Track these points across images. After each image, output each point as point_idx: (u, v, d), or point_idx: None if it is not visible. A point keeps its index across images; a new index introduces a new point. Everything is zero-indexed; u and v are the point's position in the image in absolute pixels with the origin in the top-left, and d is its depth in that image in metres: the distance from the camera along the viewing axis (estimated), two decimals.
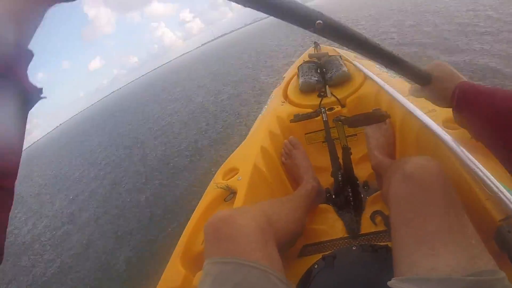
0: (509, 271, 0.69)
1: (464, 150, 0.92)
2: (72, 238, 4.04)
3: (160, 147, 6.00)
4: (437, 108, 1.19)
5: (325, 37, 0.61)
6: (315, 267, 1.01)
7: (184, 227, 1.08)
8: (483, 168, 0.84)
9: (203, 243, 0.96)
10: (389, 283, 0.62)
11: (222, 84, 9.53)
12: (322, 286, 0.96)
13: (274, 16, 0.56)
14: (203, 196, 1.19)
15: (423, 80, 0.81)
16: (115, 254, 3.16)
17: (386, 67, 0.77)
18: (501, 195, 0.76)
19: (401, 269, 0.63)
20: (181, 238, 1.05)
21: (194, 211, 1.13)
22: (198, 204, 1.16)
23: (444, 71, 0.78)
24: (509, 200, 0.74)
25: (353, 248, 1.05)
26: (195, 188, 3.51)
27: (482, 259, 0.56)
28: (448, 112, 1.15)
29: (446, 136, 0.99)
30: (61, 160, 11.57)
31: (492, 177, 0.81)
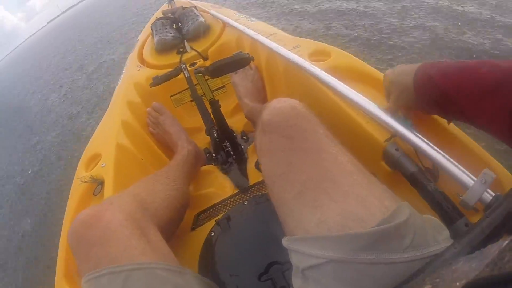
0: (403, 185, 0.70)
1: (335, 79, 0.89)
2: None
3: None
4: (300, 42, 1.17)
5: None
6: (212, 234, 0.94)
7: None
8: (357, 94, 0.83)
9: None
10: (283, 243, 0.54)
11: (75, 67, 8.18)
12: (225, 251, 0.90)
13: None
14: (69, 196, 0.99)
15: None
16: None
17: None
18: (381, 116, 0.75)
19: (289, 227, 0.55)
20: (59, 254, 0.86)
21: (64, 217, 0.94)
22: (66, 207, 0.96)
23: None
24: (389, 119, 0.74)
25: (245, 203, 1.00)
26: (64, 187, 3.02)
27: (374, 194, 0.49)
28: (313, 46, 1.14)
29: (314, 68, 0.96)
30: None
31: (367, 101, 0.80)
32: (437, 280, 0.33)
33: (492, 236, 0.40)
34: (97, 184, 0.97)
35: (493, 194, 0.57)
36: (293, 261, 0.52)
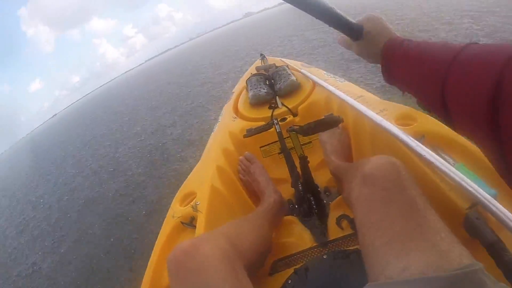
0: (483, 256, 0.69)
1: (420, 144, 0.92)
2: None
3: (112, 181, 5.48)
4: (387, 106, 1.22)
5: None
6: (289, 282, 0.98)
7: (147, 262, 1.00)
8: (441, 160, 0.85)
9: None
10: None
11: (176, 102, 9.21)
12: None
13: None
14: (162, 226, 1.11)
15: (355, 34, 0.76)
16: None
17: (317, 18, 0.72)
18: (464, 184, 0.76)
19: (374, 273, 0.60)
20: (145, 276, 0.96)
21: (155, 244, 1.05)
22: (158, 236, 1.08)
23: (375, 25, 0.73)
24: (472, 188, 0.75)
25: (324, 256, 1.03)
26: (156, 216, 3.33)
27: (455, 251, 0.54)
28: (399, 110, 1.19)
29: (400, 132, 1.00)
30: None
31: (451, 168, 0.82)
32: None
33: None
34: (190, 220, 1.08)
35: None
36: None
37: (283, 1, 0.68)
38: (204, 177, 1.25)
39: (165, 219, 1.13)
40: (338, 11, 0.72)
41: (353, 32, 0.75)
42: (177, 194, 1.23)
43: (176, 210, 1.13)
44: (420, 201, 0.63)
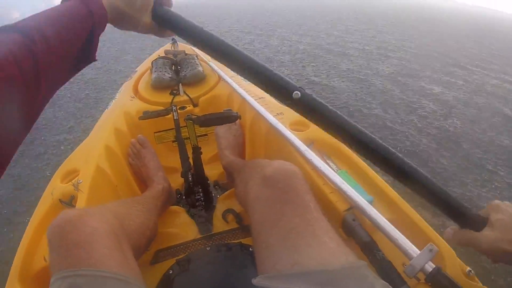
0: (357, 255, 0.80)
1: (308, 149, 1.01)
2: None
3: None
4: (284, 111, 1.29)
5: (299, 112, 0.60)
6: (170, 272, 0.96)
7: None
8: (325, 166, 0.95)
9: (46, 259, 0.83)
10: (254, 281, 0.62)
11: None
12: None
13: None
14: (39, 203, 1.01)
15: (476, 224, 0.61)
16: None
17: (401, 182, 0.61)
18: (344, 188, 0.87)
19: (265, 268, 0.64)
20: (17, 254, 0.86)
21: (29, 222, 0.95)
22: (34, 213, 0.98)
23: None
24: (350, 192, 0.85)
25: (207, 248, 1.04)
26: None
27: (341, 250, 0.61)
28: (295, 116, 1.26)
29: (292, 136, 1.07)
30: None
31: (334, 173, 0.92)
32: None
33: None
34: (70, 198, 0.99)
35: (434, 266, 0.66)
36: None
37: None
38: (90, 156, 1.16)
39: (43, 196, 1.03)
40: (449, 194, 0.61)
41: (475, 222, 0.61)
42: (58, 169, 1.13)
43: (56, 186, 1.03)
44: (312, 205, 0.69)
